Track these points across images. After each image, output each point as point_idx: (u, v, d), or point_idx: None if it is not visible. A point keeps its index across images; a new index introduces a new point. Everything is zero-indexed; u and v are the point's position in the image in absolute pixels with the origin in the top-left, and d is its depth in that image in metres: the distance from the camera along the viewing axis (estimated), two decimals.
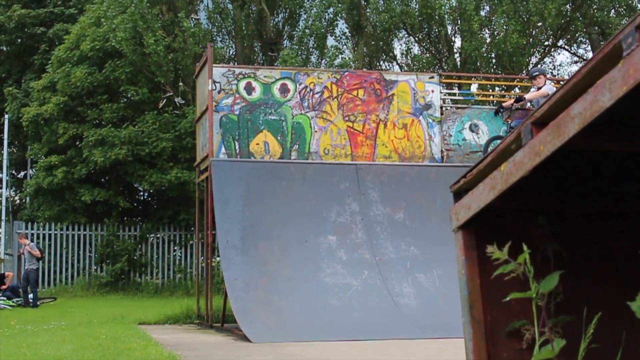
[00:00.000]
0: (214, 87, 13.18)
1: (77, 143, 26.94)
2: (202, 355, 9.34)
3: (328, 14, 26.57)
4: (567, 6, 26.88)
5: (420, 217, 12.84)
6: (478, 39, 24.96)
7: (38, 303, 20.54)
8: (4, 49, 32.97)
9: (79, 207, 26.13)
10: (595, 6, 28.03)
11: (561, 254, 3.55)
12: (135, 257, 26.31)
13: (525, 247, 3.18)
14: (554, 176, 3.56)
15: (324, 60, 27.14)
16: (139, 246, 26.66)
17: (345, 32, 29.76)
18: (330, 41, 28.32)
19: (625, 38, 2.55)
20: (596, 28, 29.49)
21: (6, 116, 30.04)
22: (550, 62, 33.13)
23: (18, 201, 34.28)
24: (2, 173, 31.94)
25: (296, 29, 28.30)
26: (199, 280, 15.58)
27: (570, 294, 3.42)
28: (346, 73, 14.15)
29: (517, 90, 20.22)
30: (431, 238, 12.42)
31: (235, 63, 27.62)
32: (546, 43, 29.05)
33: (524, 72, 24.70)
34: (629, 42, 2.53)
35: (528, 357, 3.39)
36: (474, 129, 14.19)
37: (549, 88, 13.12)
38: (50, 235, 26.03)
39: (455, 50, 27.16)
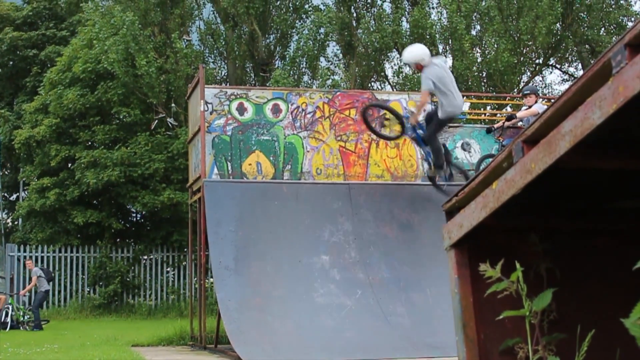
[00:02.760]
0: (206, 108, 13.18)
1: (70, 165, 26.93)
2: None
3: (319, 35, 26.64)
4: (558, 25, 27.01)
5: (413, 236, 12.83)
6: (469, 57, 25.05)
7: (41, 325, 20.56)
8: None
9: (71, 229, 26.09)
10: (585, 25, 28.18)
11: (554, 272, 3.56)
12: (128, 279, 26.24)
13: (517, 265, 3.19)
14: (545, 194, 3.57)
15: (315, 81, 27.20)
16: (132, 268, 26.59)
17: (337, 54, 29.86)
18: (322, 62, 28.41)
19: (614, 56, 2.57)
20: (586, 46, 29.63)
21: None
22: (540, 81, 33.28)
23: (10, 223, 34.18)
24: None
25: (288, 49, 28.38)
26: (192, 301, 15.52)
27: (563, 312, 3.42)
28: (338, 93, 14.17)
29: (508, 108, 20.25)
30: (424, 257, 12.40)
31: (227, 84, 27.66)
32: (537, 62, 29.17)
33: (515, 90, 24.78)
34: (618, 60, 2.54)
35: None
36: (466, 147, 14.20)
37: (540, 107, 13.15)
38: (42, 257, 25.95)
39: None
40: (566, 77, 33.19)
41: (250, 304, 11.54)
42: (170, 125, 26.26)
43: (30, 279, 22.72)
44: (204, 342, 13.22)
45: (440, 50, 26.99)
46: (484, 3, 25.50)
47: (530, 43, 25.64)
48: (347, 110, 13.77)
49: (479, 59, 26.01)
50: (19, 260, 25.89)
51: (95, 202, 27.18)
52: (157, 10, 26.34)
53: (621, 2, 29.06)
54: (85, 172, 25.30)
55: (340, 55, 29.68)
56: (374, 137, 13.62)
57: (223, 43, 28.37)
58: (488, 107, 24.25)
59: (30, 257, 25.76)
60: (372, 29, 26.62)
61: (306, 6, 28.31)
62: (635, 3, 35.47)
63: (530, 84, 27.07)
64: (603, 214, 3.81)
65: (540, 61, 29.34)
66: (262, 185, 13.07)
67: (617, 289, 3.69)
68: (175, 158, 25.41)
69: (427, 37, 25.95)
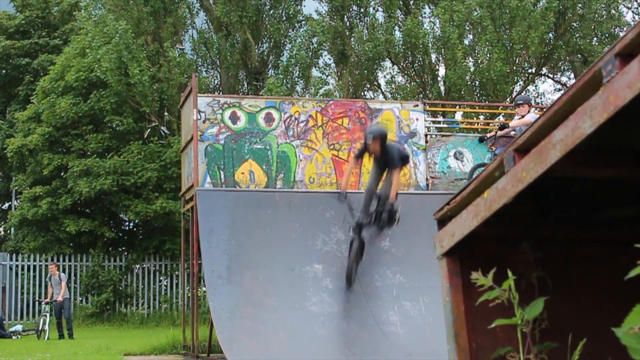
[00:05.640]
0: (199, 117, 13.18)
1: (62, 174, 26.88)
2: None
3: (312, 44, 26.68)
4: (550, 34, 27.08)
5: (405, 245, 12.82)
6: (462, 67, 25.09)
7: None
8: None
9: (64, 237, 26.03)
10: (577, 34, 28.24)
11: (545, 280, 3.56)
12: (120, 288, 26.18)
13: (510, 274, 3.19)
14: (537, 203, 3.57)
15: (308, 90, 27.22)
16: (125, 276, 26.53)
17: (330, 64, 29.88)
18: (315, 72, 28.44)
19: (605, 65, 2.58)
20: (579, 56, 29.71)
21: None
22: (533, 90, 33.36)
23: (2, 232, 34.10)
24: None
25: (281, 58, 28.41)
26: (185, 310, 15.49)
27: (555, 320, 3.42)
28: (331, 102, 14.19)
29: (501, 118, 20.30)
30: (417, 266, 12.39)
31: (220, 92, 27.67)
32: (530, 71, 29.23)
33: (508, 99, 24.83)
34: (608, 70, 2.55)
35: None
36: (458, 156, 14.22)
37: (532, 116, 13.16)
38: (35, 266, 25.88)
39: (439, 79, 27.28)
40: (559, 86, 33.28)
41: (243, 313, 11.53)
42: (163, 133, 26.25)
43: (46, 284, 22.65)
44: (196, 351, 13.19)
45: (433, 60, 27.05)
46: (476, 13, 25.56)
47: (523, 52, 25.70)
48: (340, 119, 13.78)
49: (472, 69, 26.06)
50: (11, 269, 25.82)
51: (87, 210, 27.13)
52: (150, 19, 26.34)
53: (613, 12, 29.16)
54: (77, 180, 25.26)
55: (333, 65, 29.71)
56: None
57: (216, 52, 28.38)
58: (481, 117, 24.30)
59: (23, 267, 25.71)
60: (365, 38, 26.65)
61: (300, 17, 28.36)
62: (627, 13, 35.62)
63: (523, 94, 27.15)
64: (595, 223, 3.82)
65: (533, 70, 29.40)
66: (255, 194, 13.06)
67: (608, 298, 3.70)
68: (168, 167, 25.39)
69: (420, 46, 25.99)
